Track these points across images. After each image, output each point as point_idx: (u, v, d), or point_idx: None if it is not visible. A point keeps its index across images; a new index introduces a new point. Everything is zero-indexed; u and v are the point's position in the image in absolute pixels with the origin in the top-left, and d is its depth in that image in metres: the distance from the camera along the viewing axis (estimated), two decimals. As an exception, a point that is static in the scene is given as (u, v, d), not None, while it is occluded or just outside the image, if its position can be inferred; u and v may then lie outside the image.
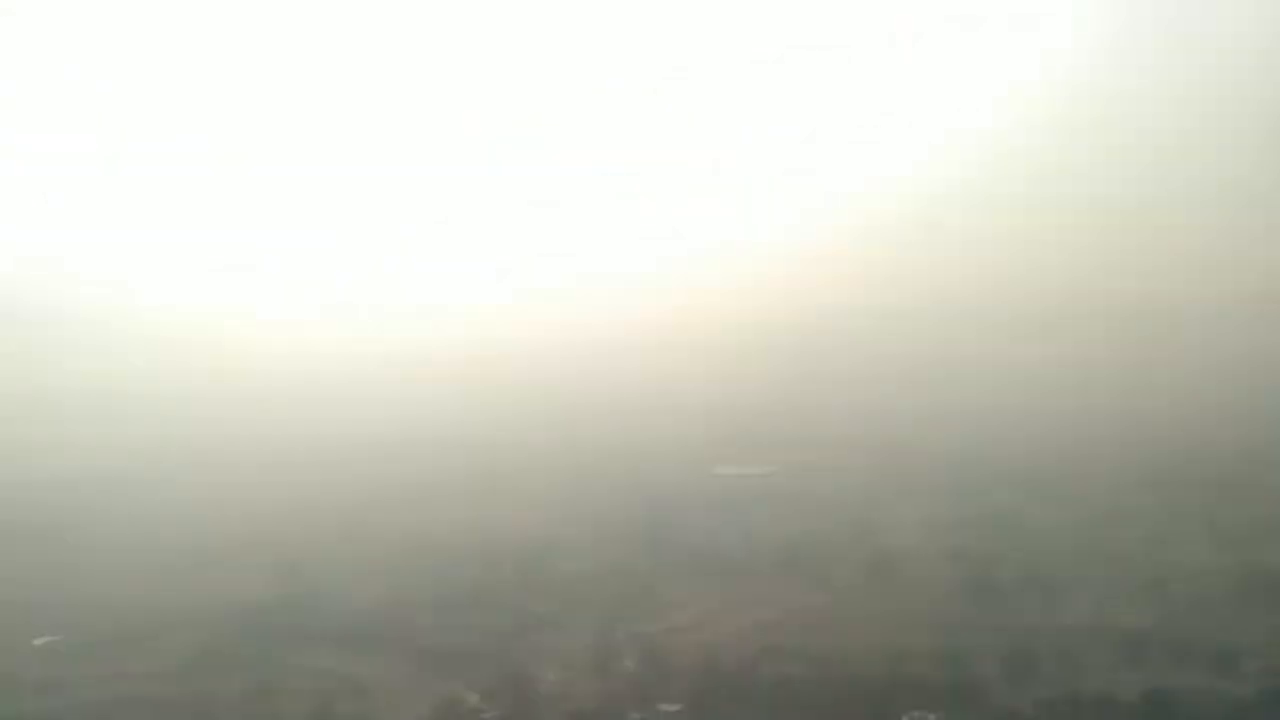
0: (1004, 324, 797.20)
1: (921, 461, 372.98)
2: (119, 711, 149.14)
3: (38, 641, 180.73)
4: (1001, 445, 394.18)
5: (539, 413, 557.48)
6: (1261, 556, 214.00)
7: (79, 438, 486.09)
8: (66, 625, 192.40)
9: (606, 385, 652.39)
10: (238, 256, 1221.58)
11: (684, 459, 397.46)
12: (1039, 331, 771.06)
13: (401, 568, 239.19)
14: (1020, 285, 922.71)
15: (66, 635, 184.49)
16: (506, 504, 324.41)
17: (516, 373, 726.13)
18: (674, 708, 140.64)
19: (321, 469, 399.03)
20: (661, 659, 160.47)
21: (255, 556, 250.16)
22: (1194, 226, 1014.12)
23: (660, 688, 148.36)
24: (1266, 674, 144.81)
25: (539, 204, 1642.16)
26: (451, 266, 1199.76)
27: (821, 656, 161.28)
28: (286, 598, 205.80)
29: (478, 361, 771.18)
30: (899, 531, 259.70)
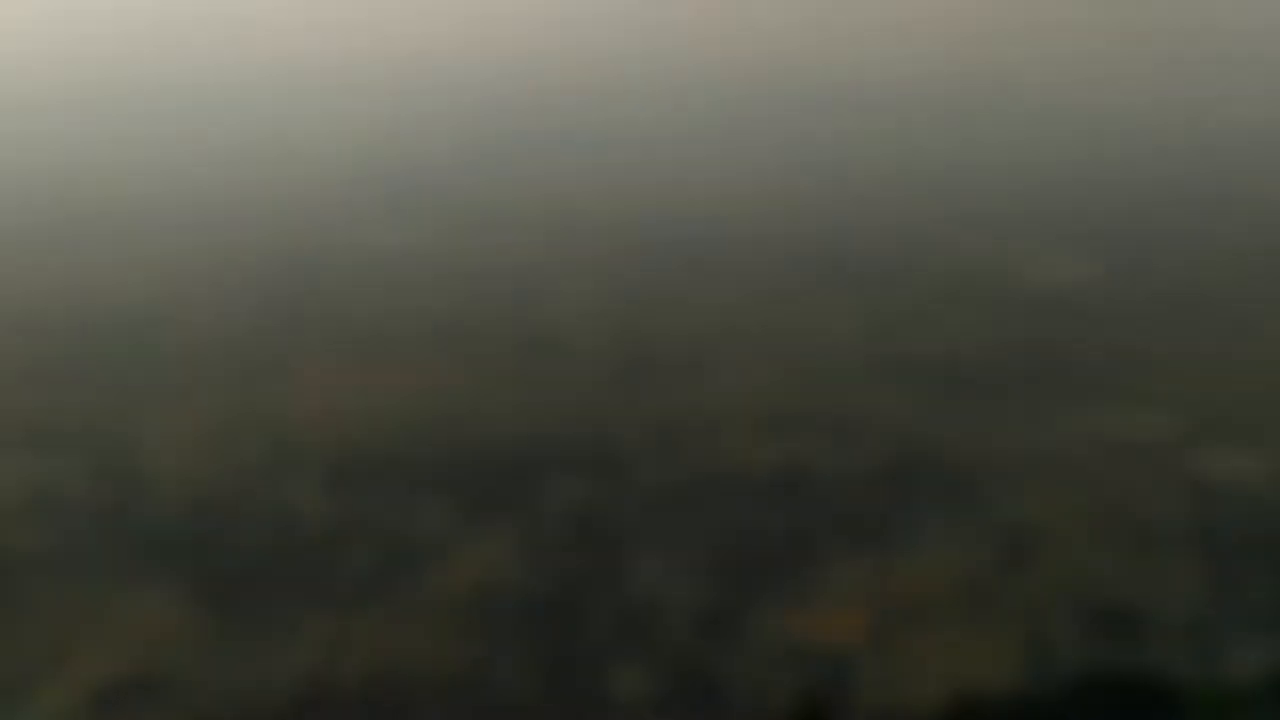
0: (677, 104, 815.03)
1: (587, 237, 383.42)
2: None
3: None
4: (670, 226, 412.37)
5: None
6: (908, 343, 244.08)
7: None
8: None
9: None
10: None
11: (330, 221, 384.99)
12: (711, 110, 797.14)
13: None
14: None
15: None
16: (113, 262, 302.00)
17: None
18: (304, 486, 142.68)
19: None
20: (292, 436, 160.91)
21: None
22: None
23: (289, 468, 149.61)
24: (893, 445, 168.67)
25: None
26: None
27: (466, 436, 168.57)
28: None
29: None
30: (557, 309, 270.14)
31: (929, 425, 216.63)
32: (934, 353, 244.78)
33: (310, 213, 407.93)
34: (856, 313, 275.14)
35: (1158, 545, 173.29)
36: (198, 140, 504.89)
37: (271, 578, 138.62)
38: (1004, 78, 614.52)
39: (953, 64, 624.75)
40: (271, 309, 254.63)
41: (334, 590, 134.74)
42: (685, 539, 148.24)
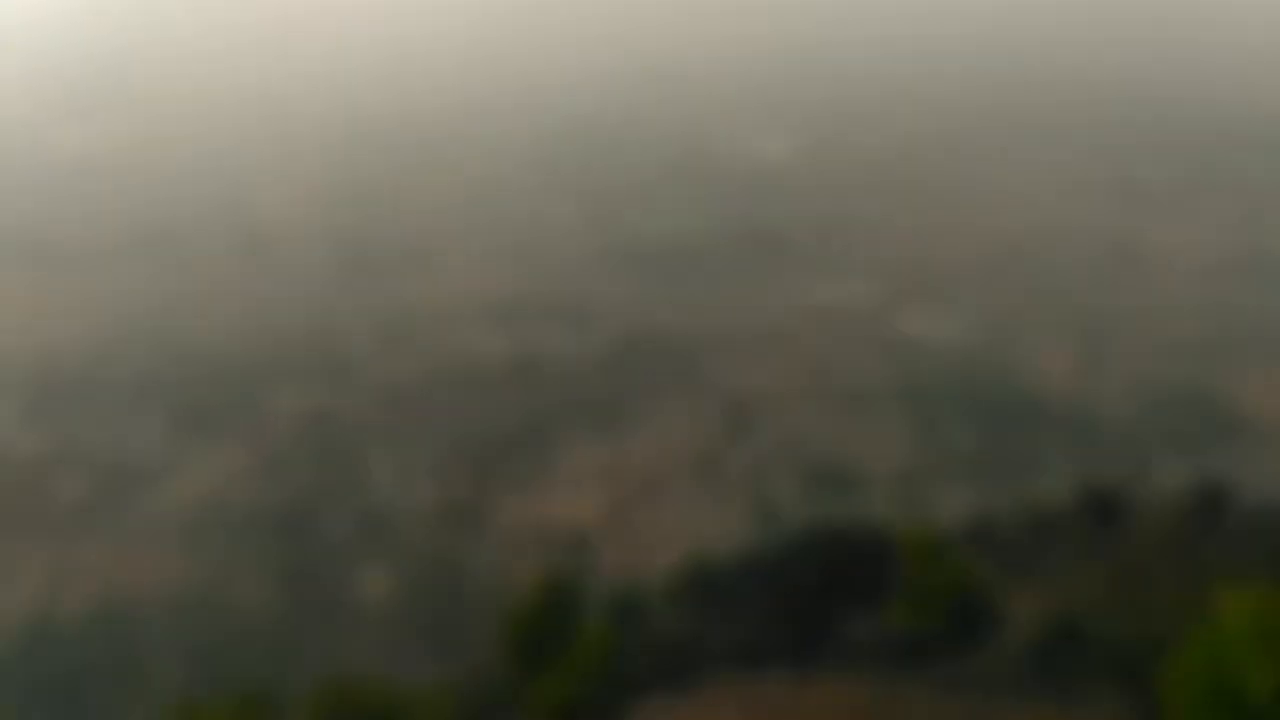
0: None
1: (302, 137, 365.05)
2: None
3: None
4: (378, 119, 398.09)
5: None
6: (629, 226, 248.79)
7: None
8: None
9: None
10: None
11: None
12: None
13: None
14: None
15: None
16: None
17: None
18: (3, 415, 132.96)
19: None
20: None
21: None
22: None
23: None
24: (619, 329, 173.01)
25: None
26: None
27: (186, 345, 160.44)
28: None
29: None
30: (273, 209, 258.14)
31: (652, 307, 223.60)
32: (653, 234, 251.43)
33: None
34: (579, 200, 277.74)
35: (867, 404, 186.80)
36: None
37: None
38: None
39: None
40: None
41: (49, 521, 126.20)
42: (420, 436, 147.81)
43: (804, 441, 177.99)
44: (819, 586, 52.75)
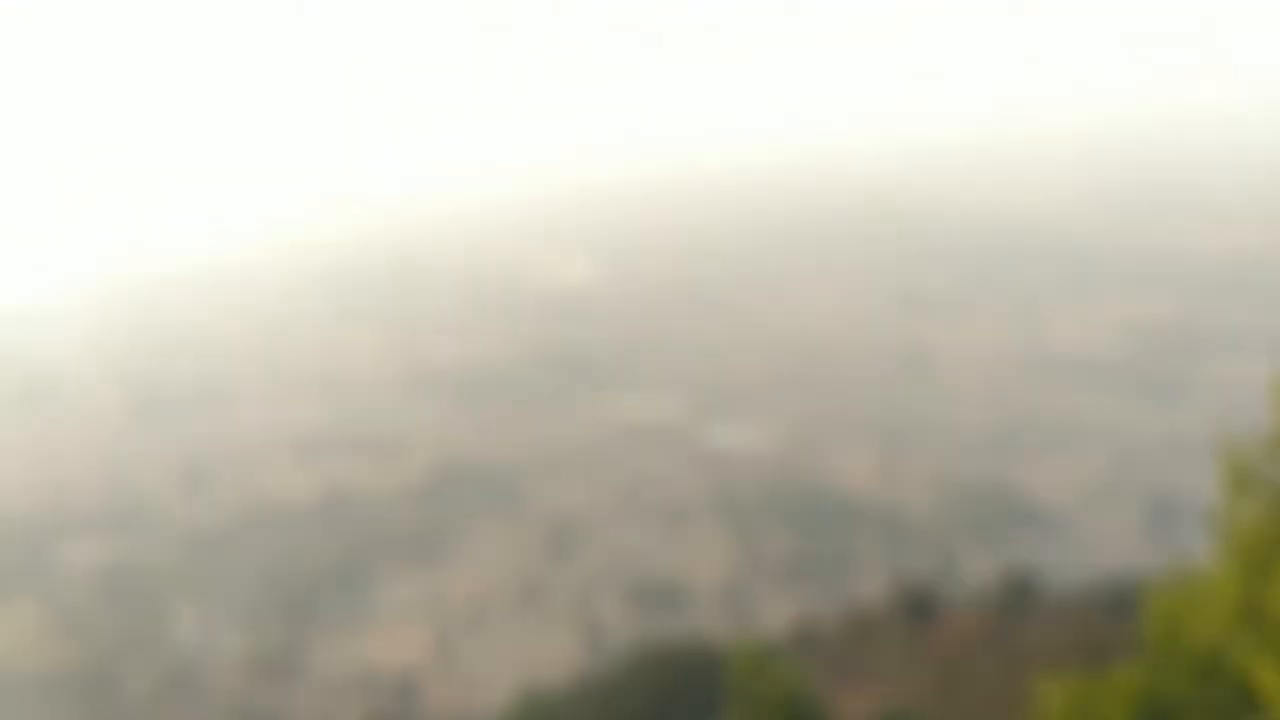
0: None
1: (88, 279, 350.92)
2: None
3: None
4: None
5: None
6: (431, 353, 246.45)
7: None
8: None
9: None
10: None
11: None
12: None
13: None
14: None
15: None
16: None
17: None
18: None
19: None
20: None
21: None
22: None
23: None
24: (430, 457, 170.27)
25: None
26: None
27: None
28: None
29: None
30: (60, 358, 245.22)
31: (462, 434, 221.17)
32: (458, 360, 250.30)
33: None
34: (379, 328, 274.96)
35: (685, 518, 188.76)
36: None
37: None
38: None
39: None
40: None
41: None
42: (227, 581, 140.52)
43: (627, 559, 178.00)
44: (651, 708, 52.36)
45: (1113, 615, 44.23)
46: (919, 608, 70.38)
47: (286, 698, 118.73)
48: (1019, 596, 67.88)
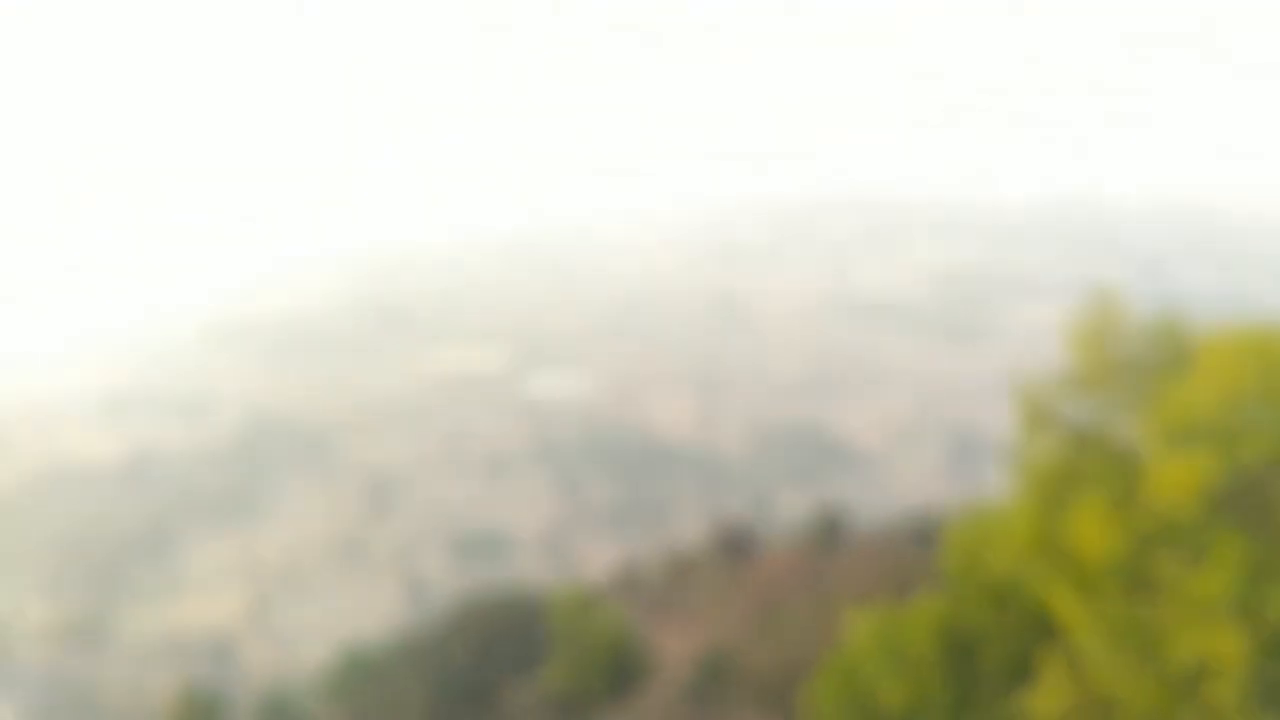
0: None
1: None
2: None
3: None
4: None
5: None
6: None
7: None
8: None
9: None
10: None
11: None
12: None
13: None
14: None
15: None
16: None
17: None
18: None
19: None
20: None
21: None
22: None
23: None
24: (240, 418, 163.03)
25: None
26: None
27: None
28: None
29: None
30: None
31: (275, 388, 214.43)
32: (266, 311, 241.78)
33: None
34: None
35: (506, 468, 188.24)
36: None
37: None
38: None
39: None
40: None
41: None
42: (28, 550, 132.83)
43: (448, 512, 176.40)
44: (475, 658, 52.09)
45: (918, 548, 46.32)
46: (736, 547, 72.25)
47: (97, 667, 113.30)
48: (830, 533, 70.44)
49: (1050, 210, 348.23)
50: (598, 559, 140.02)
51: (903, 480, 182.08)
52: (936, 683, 10.91)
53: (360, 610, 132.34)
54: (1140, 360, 9.29)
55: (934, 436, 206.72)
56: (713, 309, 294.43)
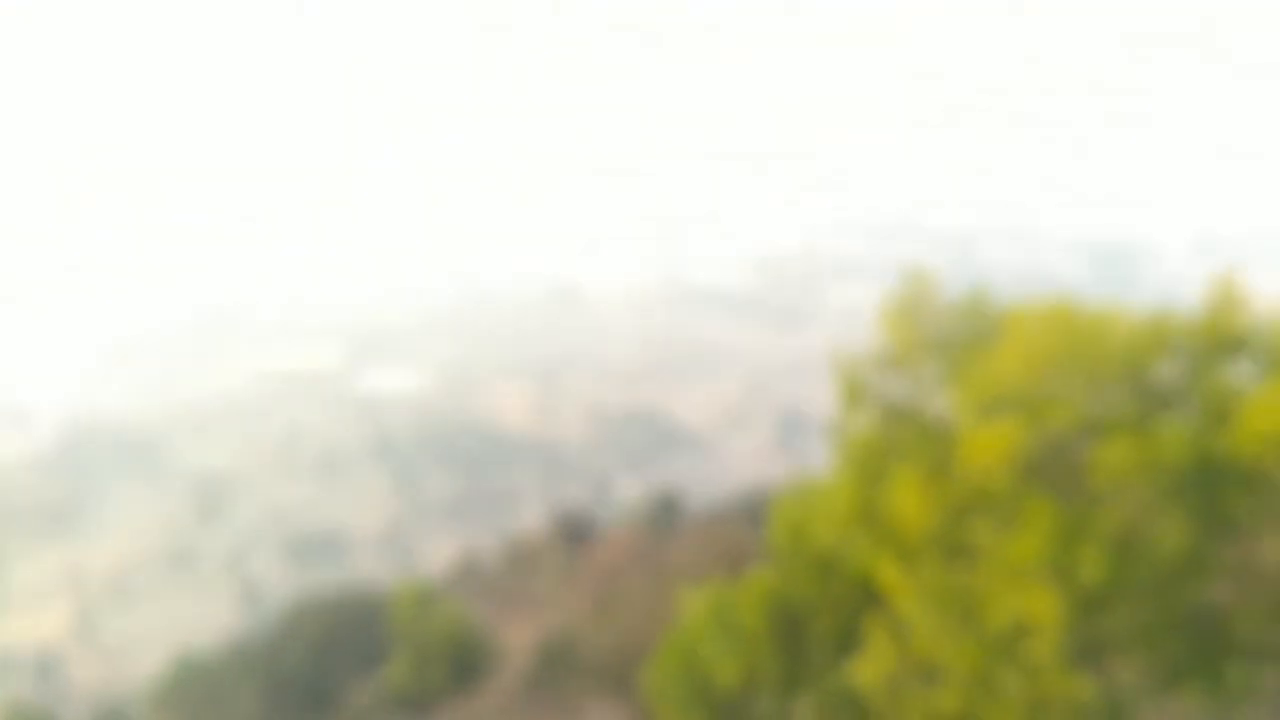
0: None
1: None
2: None
3: None
4: None
5: None
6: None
7: None
8: None
9: None
10: None
11: None
12: None
13: None
14: None
15: None
16: None
17: None
18: None
19: None
20: None
21: None
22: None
23: None
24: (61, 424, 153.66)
25: None
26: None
27: None
28: None
29: None
30: None
31: (97, 392, 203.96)
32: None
33: None
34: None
35: (342, 466, 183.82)
36: None
37: None
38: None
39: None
40: None
41: None
42: None
43: (281, 514, 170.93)
44: (313, 660, 50.50)
45: (750, 526, 47.19)
46: (575, 534, 72.18)
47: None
48: (666, 515, 71.07)
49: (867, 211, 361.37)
50: (438, 553, 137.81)
51: (735, 460, 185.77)
52: (768, 655, 11.05)
53: (192, 619, 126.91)
54: (951, 337, 9.52)
55: (763, 417, 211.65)
56: (546, 295, 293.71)
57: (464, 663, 43.77)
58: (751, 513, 57.07)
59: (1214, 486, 7.25)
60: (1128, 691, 8.95)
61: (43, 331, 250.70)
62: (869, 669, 9.45)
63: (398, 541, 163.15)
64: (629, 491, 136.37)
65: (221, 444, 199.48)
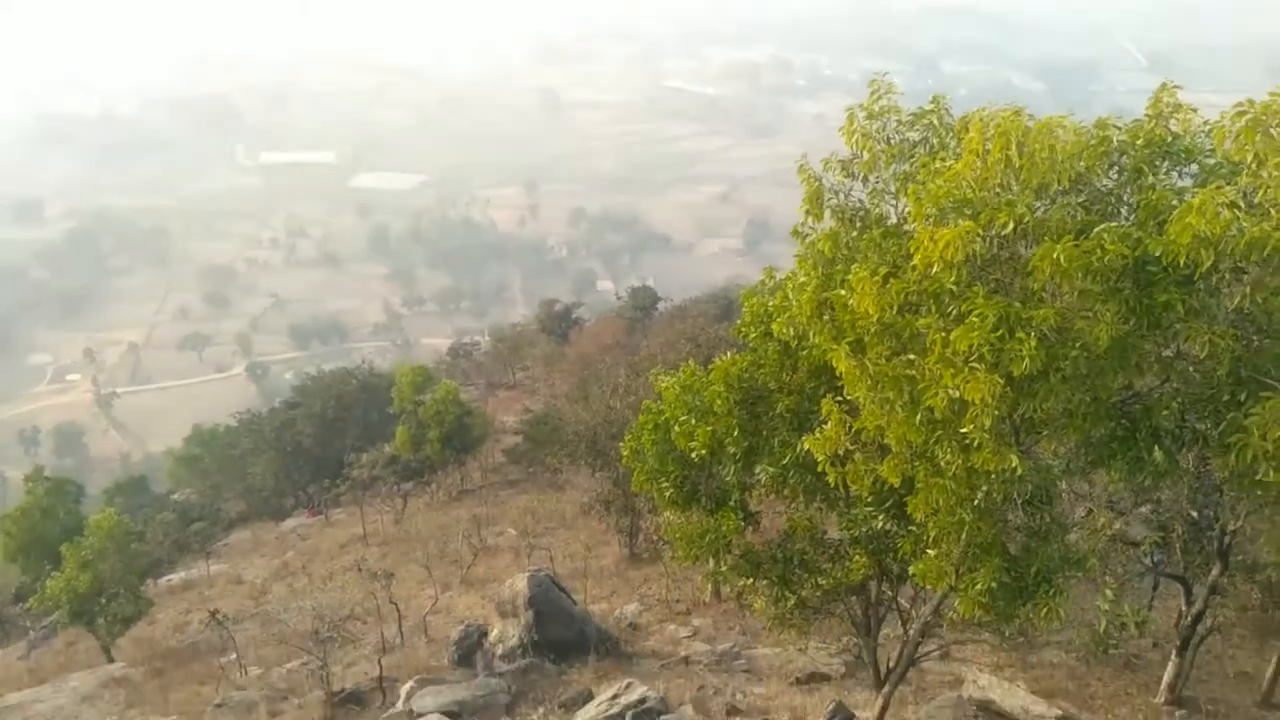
0: None
1: None
2: None
3: None
4: None
5: None
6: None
7: None
8: None
9: None
10: None
11: None
12: None
13: None
14: None
15: None
16: None
17: None
18: None
19: None
20: None
21: None
22: None
23: None
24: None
25: None
26: None
27: None
28: None
29: None
30: None
31: (107, 186, 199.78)
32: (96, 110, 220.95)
33: None
34: None
35: (343, 260, 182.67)
36: None
37: None
38: None
39: None
40: None
41: None
42: None
43: (287, 303, 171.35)
44: (321, 434, 51.68)
45: (720, 321, 47.83)
46: (559, 326, 72.94)
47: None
48: (645, 310, 71.74)
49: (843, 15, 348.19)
50: (433, 342, 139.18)
51: (706, 262, 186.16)
52: (733, 430, 11.61)
53: (205, 397, 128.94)
54: (909, 145, 9.55)
55: (736, 222, 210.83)
56: (533, 105, 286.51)
57: (459, 436, 45.01)
58: (722, 309, 57.67)
59: (1146, 285, 7.44)
60: (1056, 466, 9.44)
61: (46, 121, 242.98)
62: (823, 444, 9.94)
63: (395, 330, 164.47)
64: (609, 290, 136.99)
65: (228, 239, 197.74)
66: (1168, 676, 15.90)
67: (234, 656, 23.31)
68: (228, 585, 37.27)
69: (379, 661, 19.45)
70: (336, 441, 51.86)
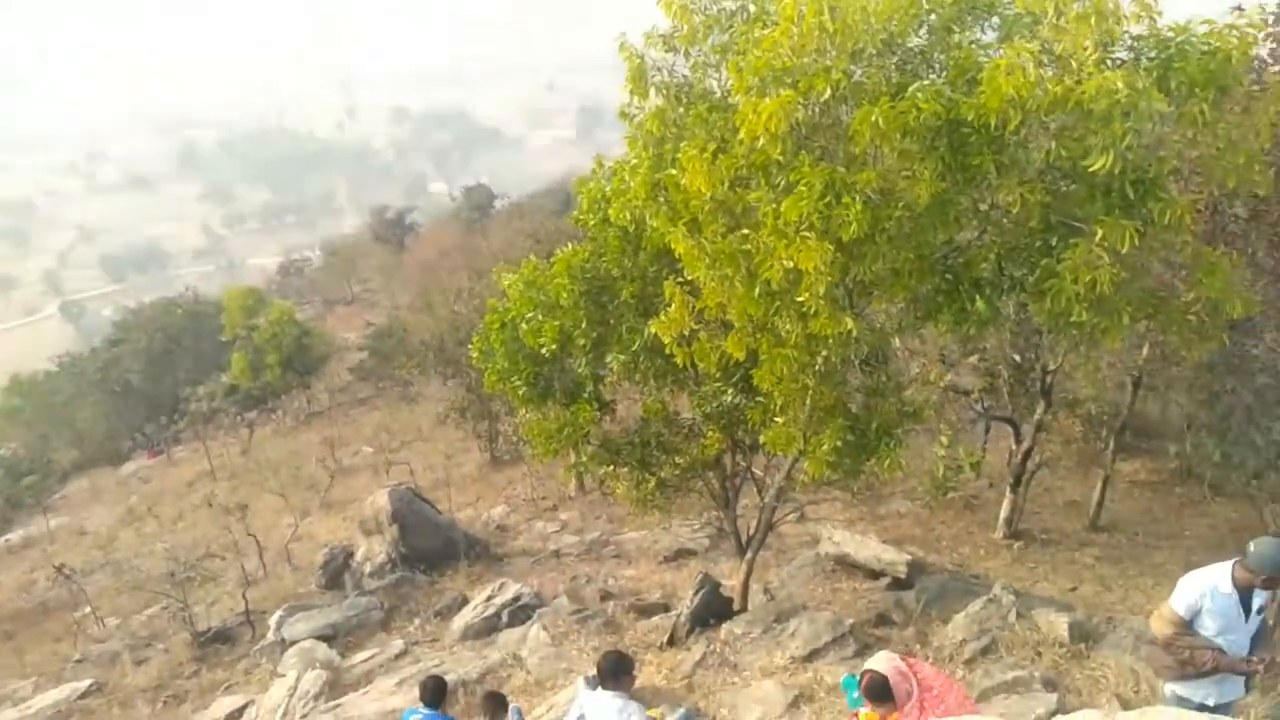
0: None
1: None
2: None
3: None
4: None
5: None
6: None
7: None
8: None
9: None
10: None
11: None
12: None
13: None
14: None
15: None
16: None
17: None
18: None
19: None
20: None
21: None
22: None
23: None
24: None
25: None
26: None
27: None
28: None
29: None
30: None
31: None
32: None
33: None
34: None
35: (154, 182, 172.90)
36: None
37: None
38: None
39: None
40: None
41: None
42: None
43: (95, 232, 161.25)
44: (150, 370, 49.17)
45: (558, 213, 47.33)
46: (393, 234, 70.92)
47: None
48: (482, 209, 70.20)
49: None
50: (260, 262, 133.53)
51: (539, 155, 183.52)
52: (581, 322, 11.65)
53: (19, 343, 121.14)
54: (726, 15, 9.47)
55: (566, 112, 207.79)
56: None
57: (299, 358, 43.76)
58: (559, 202, 57.21)
59: (961, 143, 7.70)
60: (888, 325, 9.82)
61: None
62: (667, 326, 10.07)
63: (218, 252, 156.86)
64: (444, 189, 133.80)
65: (11, 168, 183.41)
66: (1004, 512, 17.16)
67: (88, 610, 22.49)
68: (71, 538, 35.74)
69: (243, 595, 19.13)
70: (168, 376, 49.66)
